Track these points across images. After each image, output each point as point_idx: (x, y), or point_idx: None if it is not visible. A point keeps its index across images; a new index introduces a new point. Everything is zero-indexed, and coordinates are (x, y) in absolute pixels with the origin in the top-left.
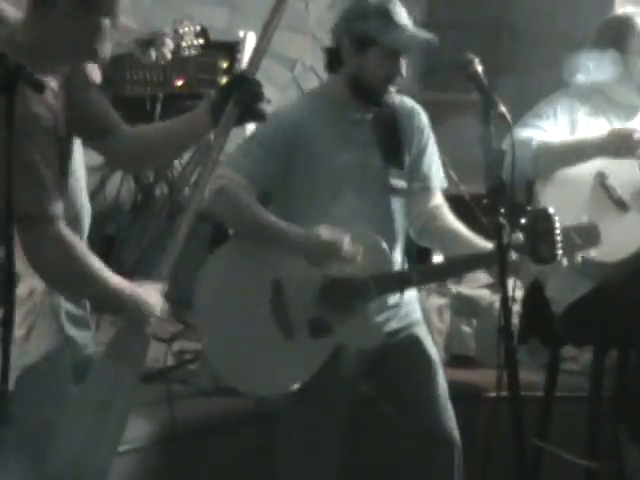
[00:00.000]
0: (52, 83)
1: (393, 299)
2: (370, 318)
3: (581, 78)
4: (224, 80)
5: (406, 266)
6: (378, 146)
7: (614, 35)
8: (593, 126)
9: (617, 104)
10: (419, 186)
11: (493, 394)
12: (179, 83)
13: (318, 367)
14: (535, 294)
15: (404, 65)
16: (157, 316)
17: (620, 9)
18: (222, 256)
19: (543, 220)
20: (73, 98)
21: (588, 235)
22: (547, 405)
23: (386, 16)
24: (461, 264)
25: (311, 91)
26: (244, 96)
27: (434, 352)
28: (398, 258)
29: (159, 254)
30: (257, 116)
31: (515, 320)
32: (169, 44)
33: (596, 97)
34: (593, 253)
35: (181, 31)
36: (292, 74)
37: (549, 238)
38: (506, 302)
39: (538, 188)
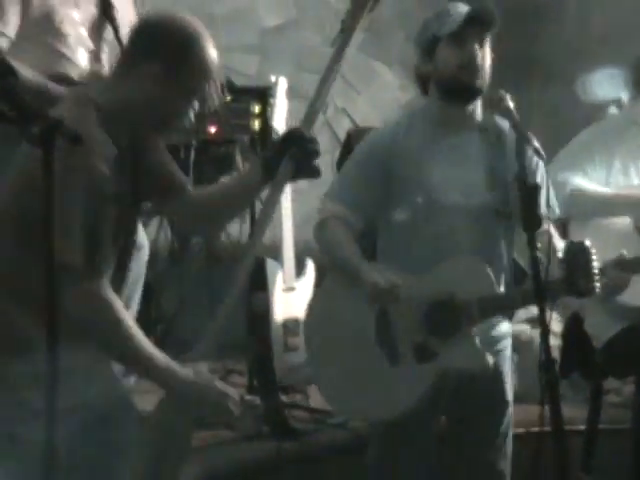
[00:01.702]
0: (119, 145)
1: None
2: (475, 341)
3: (613, 111)
4: (256, 124)
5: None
6: (482, 167)
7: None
8: (630, 171)
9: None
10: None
11: (537, 429)
12: (212, 130)
13: (423, 392)
14: (575, 328)
15: (477, 49)
16: (222, 400)
17: None
18: (326, 290)
19: (580, 253)
20: (143, 162)
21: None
22: (591, 438)
23: (441, 14)
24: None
25: (409, 109)
26: (299, 153)
27: (511, 395)
28: (502, 282)
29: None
30: (312, 173)
31: (556, 354)
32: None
33: (633, 130)
34: (626, 298)
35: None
36: (324, 116)
37: (587, 271)
38: (546, 336)
39: (572, 227)
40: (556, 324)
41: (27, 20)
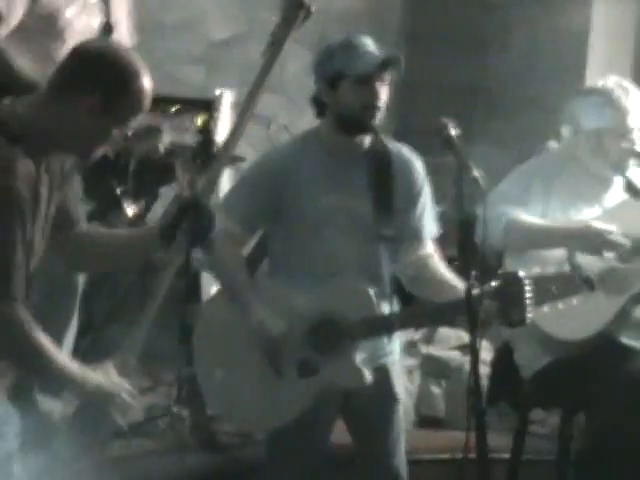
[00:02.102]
0: (40, 167)
1: (380, 347)
2: (354, 360)
3: (553, 145)
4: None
5: (394, 309)
6: (369, 191)
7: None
8: (567, 206)
9: (592, 175)
10: (409, 235)
11: (461, 456)
12: None
13: (304, 406)
14: (504, 357)
15: (381, 90)
16: (121, 399)
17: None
18: (215, 303)
19: (513, 284)
20: (54, 189)
21: (567, 284)
22: (515, 468)
23: (348, 49)
24: (441, 309)
25: (303, 133)
26: (195, 227)
27: (400, 391)
28: (384, 303)
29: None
30: (206, 246)
31: (485, 382)
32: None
33: (572, 165)
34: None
35: None
36: (267, 132)
37: (519, 302)
38: (476, 364)
39: (507, 259)
40: (486, 352)
41: (32, 14)
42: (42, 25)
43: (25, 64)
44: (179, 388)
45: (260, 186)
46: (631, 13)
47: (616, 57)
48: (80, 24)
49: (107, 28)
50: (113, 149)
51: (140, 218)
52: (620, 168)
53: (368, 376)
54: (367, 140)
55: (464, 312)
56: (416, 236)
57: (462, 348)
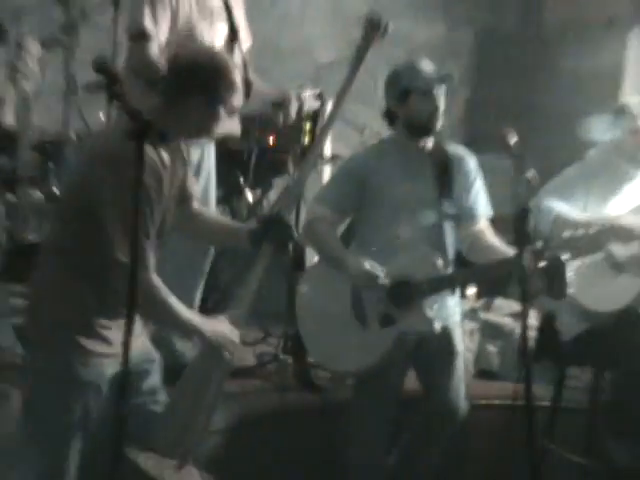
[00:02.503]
0: (164, 157)
1: (442, 302)
2: (425, 312)
3: (592, 153)
4: (307, 139)
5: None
6: (434, 181)
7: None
8: (603, 201)
9: (620, 174)
10: (465, 215)
11: (511, 402)
12: (270, 140)
13: (384, 352)
14: (548, 324)
15: (439, 101)
16: (231, 342)
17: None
18: (314, 272)
19: (557, 265)
20: (177, 172)
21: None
22: (554, 414)
23: (412, 70)
24: (490, 268)
25: (381, 139)
26: (277, 237)
27: (461, 347)
28: (448, 267)
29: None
30: (284, 253)
31: (532, 343)
32: (294, 107)
33: (610, 167)
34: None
35: (303, 95)
36: (361, 137)
37: (561, 280)
38: (525, 329)
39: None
40: (534, 319)
41: (174, 31)
42: (183, 39)
43: None
44: (285, 340)
45: (349, 179)
46: None
47: None
48: (211, 34)
49: (232, 35)
50: (239, 145)
51: (258, 203)
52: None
53: (437, 325)
54: (430, 142)
55: (506, 271)
56: (471, 215)
57: (514, 315)
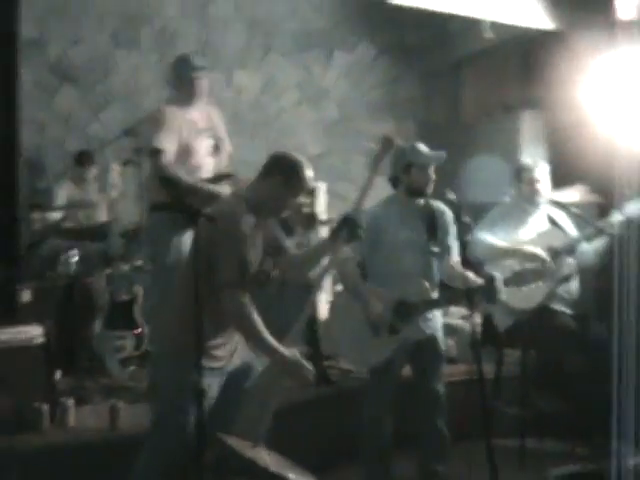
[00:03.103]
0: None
1: (430, 315)
2: (419, 323)
3: (507, 198)
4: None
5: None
6: (424, 228)
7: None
8: (519, 233)
9: (519, 210)
10: (446, 252)
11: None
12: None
13: (390, 352)
14: (488, 321)
15: (431, 173)
16: (309, 370)
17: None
18: (342, 293)
19: (492, 280)
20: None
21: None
22: (497, 382)
23: (414, 150)
24: (459, 293)
25: (387, 198)
26: (349, 232)
27: (443, 349)
28: (434, 291)
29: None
30: (357, 239)
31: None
32: None
33: (518, 210)
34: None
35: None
36: (344, 204)
37: (495, 290)
38: (475, 327)
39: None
40: (478, 319)
41: (177, 147)
42: (182, 152)
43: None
44: (305, 349)
45: (366, 228)
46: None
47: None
48: (201, 147)
49: (216, 147)
50: None
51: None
52: (533, 204)
53: (427, 331)
54: (422, 200)
55: (471, 295)
56: (450, 253)
57: (464, 318)
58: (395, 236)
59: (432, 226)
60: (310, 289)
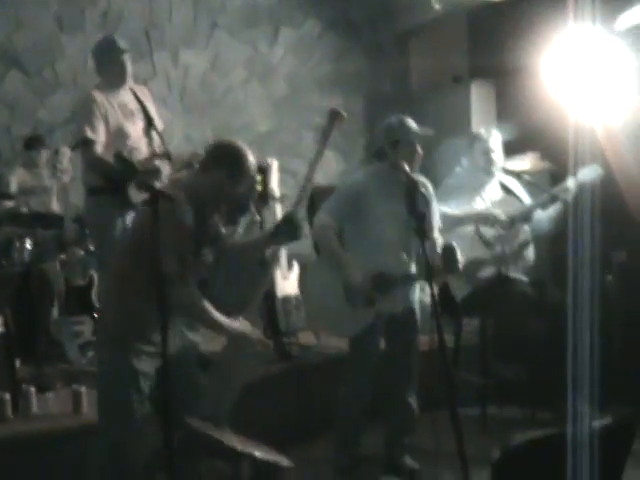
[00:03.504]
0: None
1: (408, 289)
2: (396, 296)
3: (458, 169)
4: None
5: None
6: (406, 201)
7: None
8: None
9: (474, 180)
10: (427, 225)
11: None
12: None
13: (367, 322)
14: (446, 290)
15: (419, 149)
16: (257, 339)
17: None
18: (318, 262)
19: (450, 249)
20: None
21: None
22: (457, 349)
23: (402, 125)
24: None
25: (368, 167)
26: (289, 231)
27: (418, 324)
28: (413, 265)
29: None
30: (295, 239)
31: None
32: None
33: (468, 180)
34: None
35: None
36: (295, 180)
37: (454, 259)
38: (434, 297)
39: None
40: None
41: (107, 132)
42: (116, 136)
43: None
44: (264, 326)
45: (347, 197)
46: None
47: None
48: (134, 129)
49: (148, 127)
50: None
51: (230, 236)
52: (488, 173)
53: (403, 305)
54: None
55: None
56: (430, 226)
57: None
58: (376, 207)
59: (414, 200)
60: (264, 266)
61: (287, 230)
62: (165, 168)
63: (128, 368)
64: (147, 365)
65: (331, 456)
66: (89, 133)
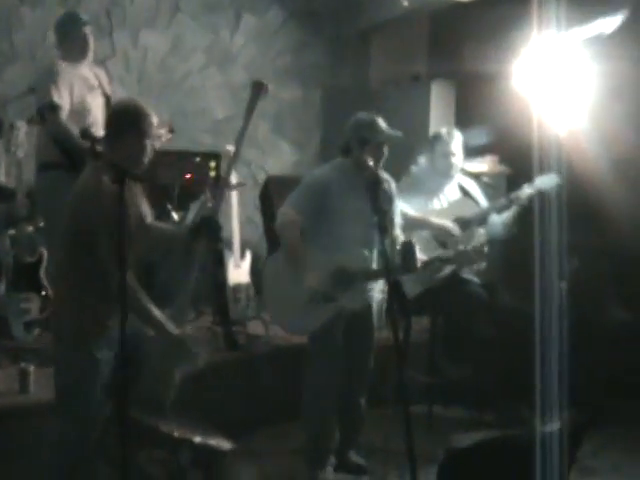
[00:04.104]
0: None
1: (368, 286)
2: (358, 294)
3: (414, 168)
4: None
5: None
6: (369, 197)
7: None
8: (426, 204)
9: (431, 183)
10: (389, 222)
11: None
12: (187, 176)
13: (326, 319)
14: (397, 287)
15: (386, 150)
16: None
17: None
18: (277, 257)
19: (409, 247)
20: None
21: (479, 254)
22: (405, 346)
23: (373, 125)
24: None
25: (334, 162)
26: (209, 234)
27: (375, 320)
28: (373, 262)
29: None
30: (216, 244)
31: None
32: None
33: (431, 178)
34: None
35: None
36: (249, 169)
37: (413, 257)
38: (390, 294)
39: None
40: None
41: (71, 102)
42: (78, 107)
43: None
44: (214, 315)
45: (312, 192)
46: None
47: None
48: (95, 102)
49: (107, 101)
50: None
51: (181, 221)
52: (447, 176)
53: (364, 302)
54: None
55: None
56: (391, 223)
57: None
58: (340, 203)
59: (376, 196)
60: (190, 255)
61: (206, 231)
62: None
63: (88, 359)
64: (106, 353)
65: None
66: (56, 98)
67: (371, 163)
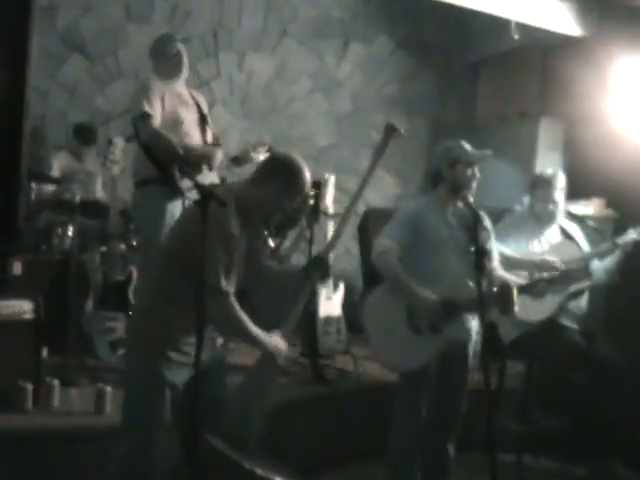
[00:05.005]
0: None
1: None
2: (462, 324)
3: (518, 207)
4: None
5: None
6: (464, 230)
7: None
8: (534, 244)
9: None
10: (487, 260)
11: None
12: None
13: (432, 355)
14: (492, 330)
15: (477, 172)
16: (284, 355)
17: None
18: (380, 291)
19: (507, 289)
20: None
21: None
22: (498, 393)
23: (461, 147)
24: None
25: (427, 196)
26: (319, 273)
27: (471, 358)
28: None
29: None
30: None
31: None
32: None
33: (531, 221)
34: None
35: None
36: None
37: (510, 302)
38: (484, 336)
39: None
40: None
41: (164, 116)
42: (170, 118)
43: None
44: (303, 347)
45: (407, 222)
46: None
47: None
48: (188, 117)
49: (202, 120)
50: None
51: (278, 248)
52: (546, 221)
53: (467, 334)
54: (462, 202)
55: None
56: (489, 257)
57: None
58: (436, 235)
59: (473, 227)
60: (303, 285)
61: (317, 271)
62: (218, 156)
63: (157, 376)
64: (175, 375)
65: None
66: (147, 108)
67: (469, 195)
